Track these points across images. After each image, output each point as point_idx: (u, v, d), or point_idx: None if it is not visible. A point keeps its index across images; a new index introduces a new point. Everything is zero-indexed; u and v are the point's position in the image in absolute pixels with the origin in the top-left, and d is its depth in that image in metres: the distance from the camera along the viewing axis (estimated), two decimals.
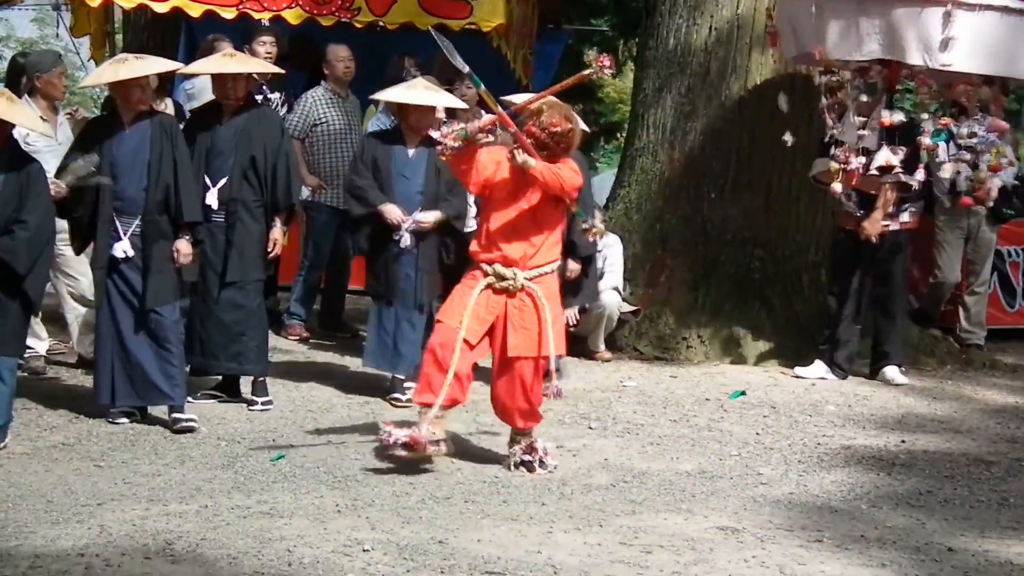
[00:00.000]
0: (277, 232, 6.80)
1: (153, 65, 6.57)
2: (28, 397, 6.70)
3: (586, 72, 5.72)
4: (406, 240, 6.87)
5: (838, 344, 7.80)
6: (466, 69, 5.85)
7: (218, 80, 6.86)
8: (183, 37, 10.05)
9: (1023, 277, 9.65)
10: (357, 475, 5.64)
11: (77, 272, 7.24)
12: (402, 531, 4.87)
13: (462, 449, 5.98)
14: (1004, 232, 9.32)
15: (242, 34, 8.82)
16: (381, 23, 9.16)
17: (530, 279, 5.71)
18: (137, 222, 6.32)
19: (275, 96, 8.61)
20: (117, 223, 6.32)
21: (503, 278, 5.72)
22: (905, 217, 7.73)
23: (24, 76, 7.28)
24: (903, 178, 7.52)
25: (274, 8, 9.00)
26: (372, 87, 8.94)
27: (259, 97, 8.68)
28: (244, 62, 7.04)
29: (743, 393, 7.39)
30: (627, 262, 8.45)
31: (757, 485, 5.67)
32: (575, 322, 8.13)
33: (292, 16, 9.04)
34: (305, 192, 8.16)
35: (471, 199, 7.00)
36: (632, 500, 5.40)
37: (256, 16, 8.98)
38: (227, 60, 6.95)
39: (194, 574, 4.39)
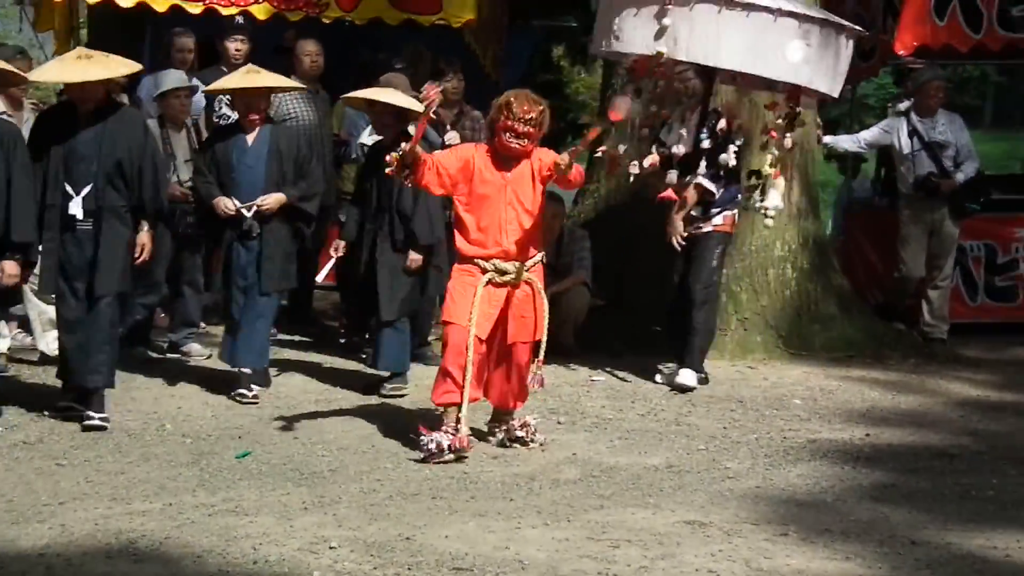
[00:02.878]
0: (144, 236, 6.42)
1: None
2: None
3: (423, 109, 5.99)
4: (254, 227, 6.85)
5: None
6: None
7: (70, 83, 6.40)
8: (149, 33, 9.98)
9: (985, 272, 9.73)
10: (324, 472, 5.62)
11: (39, 269, 7.17)
12: (369, 528, 4.86)
13: None
14: (967, 227, 9.38)
15: (210, 29, 8.80)
16: (349, 18, 9.13)
17: (528, 269, 5.90)
18: None
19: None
20: None
21: (505, 272, 5.85)
22: (717, 220, 7.39)
23: None
24: (699, 181, 7.26)
25: (241, 3, 8.95)
26: (341, 82, 8.95)
27: None
28: (101, 65, 6.41)
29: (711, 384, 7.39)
30: (596, 257, 8.46)
31: (724, 479, 5.69)
32: None
33: (260, 11, 8.99)
34: None
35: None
36: (600, 495, 5.41)
37: (223, 11, 8.94)
38: (78, 65, 6.38)
39: (158, 573, 4.37)
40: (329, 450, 5.95)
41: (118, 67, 6.54)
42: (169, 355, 7.90)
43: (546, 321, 5.98)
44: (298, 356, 8.00)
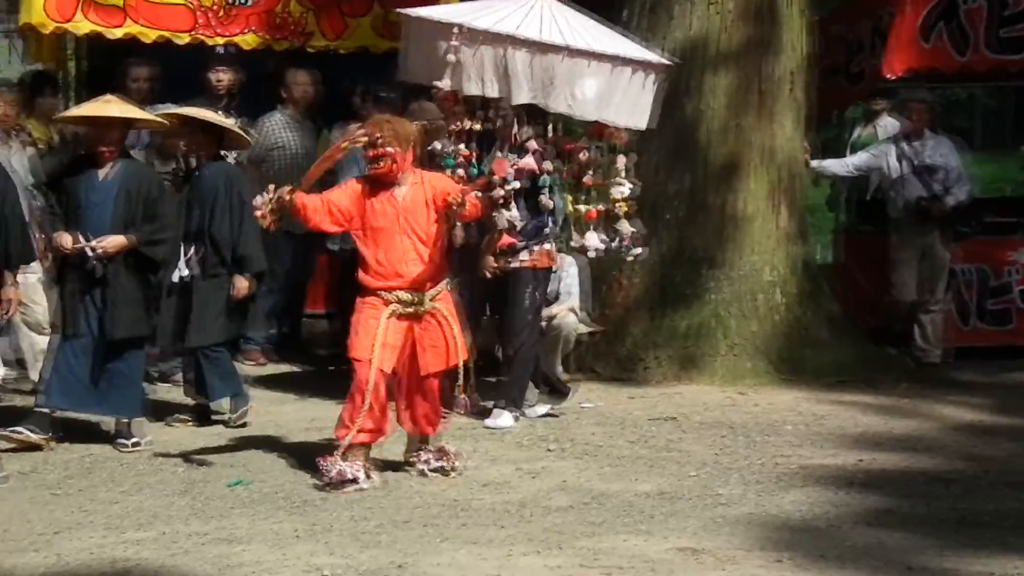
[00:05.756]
0: (10, 291, 5.96)
1: None
2: None
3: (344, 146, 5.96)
4: (97, 268, 6.38)
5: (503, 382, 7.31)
6: None
7: None
8: None
9: (977, 296, 9.74)
10: (316, 500, 5.61)
11: (31, 300, 7.19)
12: (361, 556, 4.85)
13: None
14: (959, 251, 9.39)
15: (198, 60, 8.82)
16: (335, 47, 9.16)
17: (432, 299, 5.83)
18: None
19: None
20: None
21: (409, 303, 5.80)
22: (523, 256, 7.06)
23: None
24: (500, 213, 6.94)
25: (228, 34, 8.96)
26: (326, 112, 8.95)
27: None
28: None
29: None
30: (585, 283, 8.46)
31: (716, 506, 5.68)
32: None
33: (246, 42, 9.01)
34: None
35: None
36: (592, 522, 5.39)
37: (209, 42, 8.95)
38: None
39: None
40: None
41: None
42: (160, 384, 7.88)
43: (460, 346, 5.88)
44: (288, 384, 7.98)
